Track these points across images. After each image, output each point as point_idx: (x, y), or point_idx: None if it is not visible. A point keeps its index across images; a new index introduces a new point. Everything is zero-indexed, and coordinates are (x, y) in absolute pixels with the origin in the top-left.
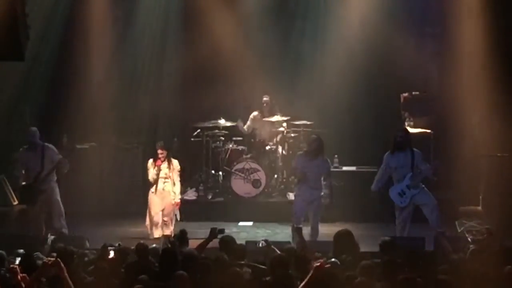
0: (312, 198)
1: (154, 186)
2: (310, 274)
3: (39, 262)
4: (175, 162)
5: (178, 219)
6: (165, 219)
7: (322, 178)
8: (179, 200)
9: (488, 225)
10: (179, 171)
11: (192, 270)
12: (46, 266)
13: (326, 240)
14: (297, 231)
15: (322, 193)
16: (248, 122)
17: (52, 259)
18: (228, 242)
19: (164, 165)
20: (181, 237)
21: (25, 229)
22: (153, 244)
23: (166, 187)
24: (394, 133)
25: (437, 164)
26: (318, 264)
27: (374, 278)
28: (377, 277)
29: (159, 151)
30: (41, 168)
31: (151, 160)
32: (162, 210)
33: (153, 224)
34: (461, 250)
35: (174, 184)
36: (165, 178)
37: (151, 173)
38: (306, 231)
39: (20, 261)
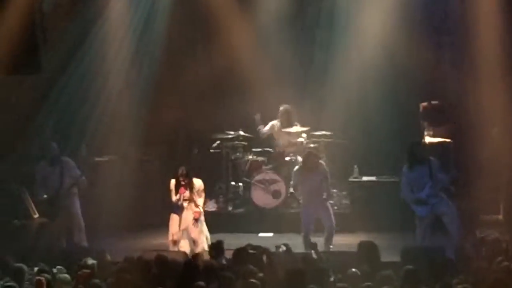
0: (316, 204)
1: (179, 206)
2: None
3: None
4: (197, 183)
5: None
6: (192, 235)
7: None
8: (199, 210)
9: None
10: (203, 191)
11: (212, 282)
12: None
13: (346, 251)
14: (311, 247)
15: (324, 196)
16: (267, 127)
17: (86, 271)
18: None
19: (187, 192)
20: (217, 247)
21: (45, 243)
22: (173, 256)
23: (188, 207)
24: (409, 147)
25: (455, 174)
26: None
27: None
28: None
29: (181, 179)
30: (60, 184)
31: (173, 181)
32: (186, 229)
33: (171, 242)
34: (485, 257)
35: (196, 205)
36: (188, 199)
37: (174, 196)
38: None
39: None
